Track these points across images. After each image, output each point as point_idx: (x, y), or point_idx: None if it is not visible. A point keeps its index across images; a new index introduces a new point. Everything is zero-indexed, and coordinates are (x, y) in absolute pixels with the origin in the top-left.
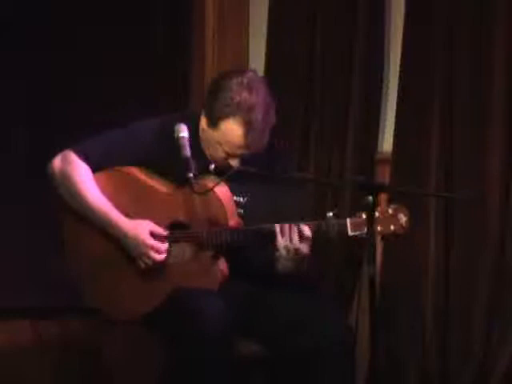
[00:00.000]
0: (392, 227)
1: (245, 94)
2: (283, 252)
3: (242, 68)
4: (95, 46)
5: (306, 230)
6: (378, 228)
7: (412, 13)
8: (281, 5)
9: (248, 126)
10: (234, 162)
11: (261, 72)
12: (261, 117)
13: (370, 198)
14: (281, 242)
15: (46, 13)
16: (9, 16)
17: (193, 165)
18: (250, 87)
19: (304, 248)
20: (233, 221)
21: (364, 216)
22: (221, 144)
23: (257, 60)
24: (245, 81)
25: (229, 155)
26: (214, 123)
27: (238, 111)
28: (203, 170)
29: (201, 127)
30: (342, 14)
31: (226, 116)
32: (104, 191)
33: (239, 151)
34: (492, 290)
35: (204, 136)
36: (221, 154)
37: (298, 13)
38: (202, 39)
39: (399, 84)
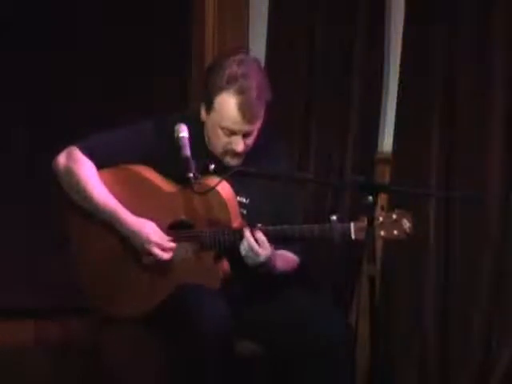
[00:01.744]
0: (395, 232)
1: (234, 68)
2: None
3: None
4: (95, 46)
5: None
6: (382, 233)
7: (412, 13)
8: (281, 5)
9: (240, 95)
10: (238, 146)
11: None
12: (253, 85)
13: (371, 197)
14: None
15: (46, 13)
16: (9, 16)
17: (193, 165)
18: (240, 62)
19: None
20: (236, 221)
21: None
22: (219, 124)
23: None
24: (235, 58)
25: (229, 135)
26: (209, 105)
27: (228, 84)
28: (203, 170)
29: (202, 121)
30: (342, 13)
31: (219, 91)
32: (108, 188)
33: (237, 126)
34: (492, 290)
35: (206, 129)
36: (222, 141)
37: (298, 13)
38: (202, 39)
39: (399, 84)
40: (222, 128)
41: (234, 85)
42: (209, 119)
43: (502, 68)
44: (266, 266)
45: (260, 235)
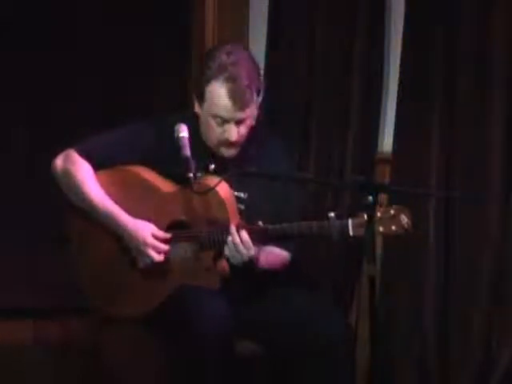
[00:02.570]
0: (394, 228)
1: (223, 57)
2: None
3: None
4: (95, 46)
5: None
6: (380, 228)
7: (412, 13)
8: (280, 5)
9: (230, 83)
10: (232, 135)
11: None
12: (243, 73)
13: (370, 197)
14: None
15: (46, 13)
16: (9, 16)
17: (193, 165)
18: (229, 51)
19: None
20: (235, 221)
21: (365, 216)
22: (211, 113)
23: (257, 60)
24: (224, 49)
25: (222, 124)
26: (201, 96)
27: (218, 72)
28: (203, 170)
29: (197, 115)
30: (342, 13)
31: (209, 81)
32: (106, 190)
33: (229, 114)
34: (492, 290)
35: (200, 122)
36: (216, 131)
37: (298, 13)
38: (202, 39)
39: (399, 84)
40: (215, 117)
41: (223, 73)
42: (201, 110)
43: (502, 68)
44: (249, 264)
45: (244, 234)
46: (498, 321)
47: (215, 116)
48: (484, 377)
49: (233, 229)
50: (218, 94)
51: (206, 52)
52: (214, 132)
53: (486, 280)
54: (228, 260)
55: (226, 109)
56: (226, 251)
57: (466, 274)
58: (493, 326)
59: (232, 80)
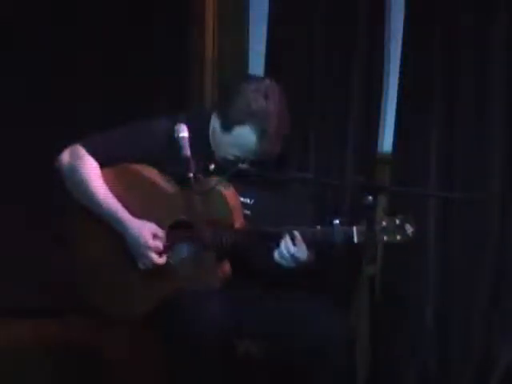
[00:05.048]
0: (398, 237)
1: (261, 102)
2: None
3: (259, 75)
4: (95, 45)
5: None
6: (385, 238)
7: (412, 13)
8: (280, 5)
9: (262, 133)
10: (242, 166)
11: (261, 72)
12: (275, 125)
13: (371, 197)
14: (285, 246)
15: (46, 13)
16: (9, 16)
17: (193, 165)
18: (267, 95)
19: (301, 253)
20: (238, 221)
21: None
22: (232, 147)
23: (257, 60)
24: (262, 88)
25: (238, 159)
26: (228, 128)
27: (253, 119)
28: (203, 170)
29: (212, 128)
30: (343, 13)
31: (242, 122)
32: (109, 187)
33: (252, 156)
34: (492, 290)
35: (215, 137)
36: (230, 157)
37: (298, 13)
38: (202, 39)
39: (399, 84)
40: (234, 151)
41: (258, 121)
42: (221, 135)
43: (503, 68)
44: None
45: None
46: (498, 321)
47: (235, 153)
48: (484, 377)
49: (285, 232)
50: (248, 140)
51: (239, 82)
52: (227, 158)
53: (486, 280)
54: (231, 261)
55: (250, 153)
56: (282, 251)
57: (465, 273)
58: (493, 326)
59: (265, 132)
